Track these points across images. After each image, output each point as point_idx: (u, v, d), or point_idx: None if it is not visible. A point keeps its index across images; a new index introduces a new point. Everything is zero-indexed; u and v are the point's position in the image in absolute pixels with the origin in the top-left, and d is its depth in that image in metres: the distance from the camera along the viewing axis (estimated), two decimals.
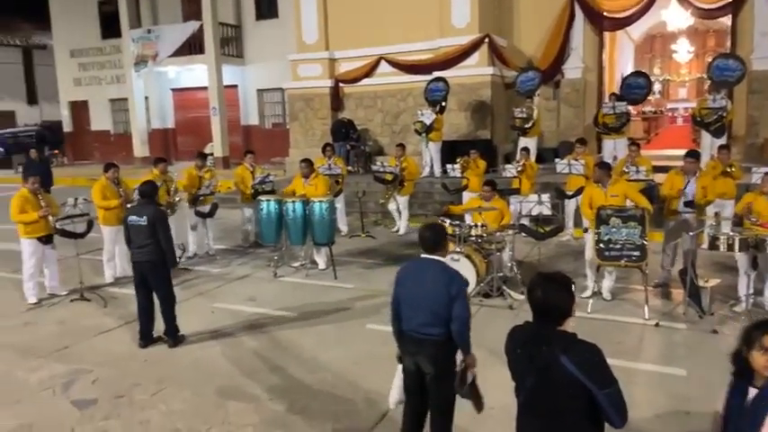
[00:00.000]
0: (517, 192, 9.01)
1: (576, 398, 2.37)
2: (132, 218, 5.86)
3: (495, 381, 4.81)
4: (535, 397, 2.47)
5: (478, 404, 3.58)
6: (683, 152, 7.62)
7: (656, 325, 6.10)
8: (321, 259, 8.55)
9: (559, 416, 2.42)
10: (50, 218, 7.22)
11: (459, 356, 3.61)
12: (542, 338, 2.43)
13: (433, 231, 3.64)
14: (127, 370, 5.42)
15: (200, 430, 4.37)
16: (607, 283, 6.91)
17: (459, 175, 10.04)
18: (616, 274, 6.96)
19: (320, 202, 8.09)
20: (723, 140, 10.40)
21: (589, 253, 6.95)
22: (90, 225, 7.67)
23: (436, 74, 13.49)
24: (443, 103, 13.09)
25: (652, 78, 15.57)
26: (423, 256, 3.64)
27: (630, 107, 12.07)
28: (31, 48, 30.37)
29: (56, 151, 23.26)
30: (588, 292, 6.77)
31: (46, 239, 7.31)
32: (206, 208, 9.26)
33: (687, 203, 6.88)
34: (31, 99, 30.43)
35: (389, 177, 10.29)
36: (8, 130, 24.33)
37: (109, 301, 7.32)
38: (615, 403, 2.36)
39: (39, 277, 7.49)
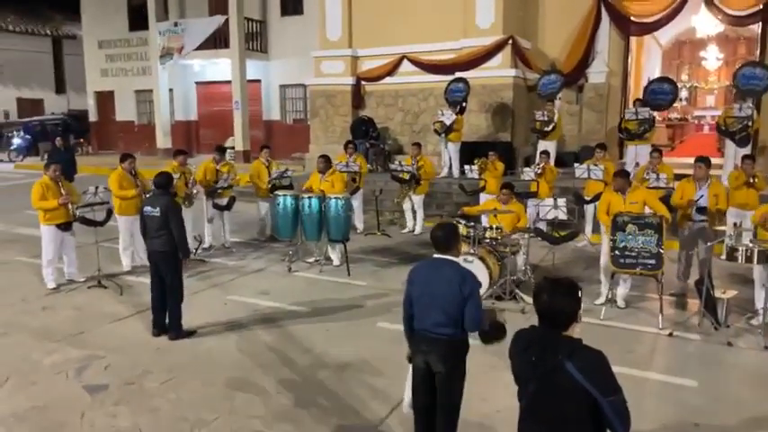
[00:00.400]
0: (535, 195, 8.95)
1: (579, 404, 2.34)
2: (147, 208, 5.95)
3: (504, 383, 4.81)
4: (538, 402, 2.45)
5: (489, 334, 3.58)
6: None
7: (670, 335, 6.02)
8: (335, 255, 8.59)
9: (562, 422, 2.40)
10: (70, 205, 7.35)
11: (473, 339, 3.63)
12: (547, 343, 2.42)
13: (444, 231, 3.65)
14: (139, 358, 5.50)
15: (207, 419, 4.42)
16: (621, 291, 6.83)
17: (477, 176, 10.00)
18: (631, 281, 6.88)
19: (336, 198, 8.12)
20: (747, 150, 10.23)
21: (604, 259, 6.88)
22: (109, 213, 7.81)
23: (458, 74, 13.44)
24: (463, 104, 13.04)
25: (679, 85, 15.32)
26: (435, 256, 3.64)
27: (655, 113, 11.91)
28: (60, 38, 30.87)
29: (81, 140, 23.65)
30: (602, 299, 6.71)
31: (65, 226, 7.44)
32: (224, 201, 9.35)
33: (699, 210, 6.78)
34: (59, 88, 30.94)
35: (406, 176, 10.28)
36: (35, 118, 24.80)
37: (125, 289, 7.44)
38: (619, 411, 2.34)
39: (57, 263, 7.64)
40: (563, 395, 2.36)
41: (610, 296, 6.73)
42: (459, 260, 6.33)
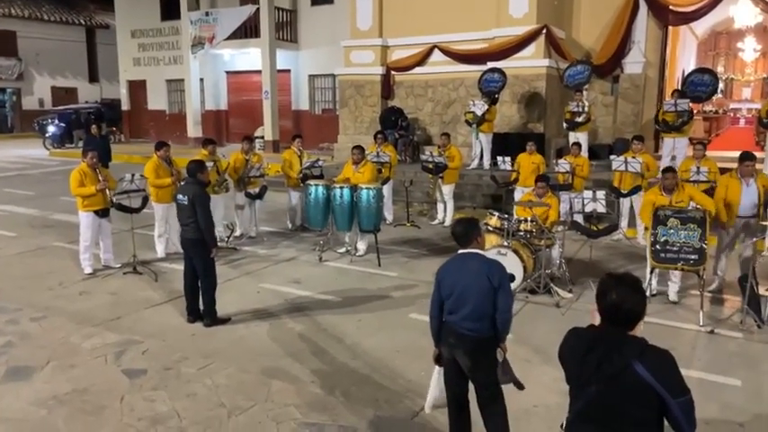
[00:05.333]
0: (569, 188, 8.80)
1: (644, 407, 2.25)
2: (179, 197, 6.02)
3: (539, 379, 4.76)
4: (599, 405, 2.33)
5: (519, 383, 3.67)
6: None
7: (711, 332, 5.87)
8: (363, 245, 8.55)
9: (626, 425, 2.30)
10: (108, 192, 7.45)
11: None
12: (613, 344, 2.30)
13: (463, 225, 3.68)
14: (175, 343, 5.56)
15: (243, 406, 4.45)
16: (674, 287, 6.69)
17: (509, 168, 9.86)
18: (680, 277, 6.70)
19: (368, 189, 8.09)
20: None
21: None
22: (145, 201, 7.89)
23: (491, 64, 13.26)
24: (496, 96, 12.86)
25: None
26: (460, 251, 3.66)
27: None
28: (94, 27, 31.36)
29: (113, 128, 24.01)
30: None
31: (102, 213, 7.55)
32: (255, 190, 9.38)
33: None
34: (93, 77, 31.45)
35: (431, 166, 10.17)
36: (70, 107, 25.24)
37: (159, 275, 7.52)
38: (688, 412, 2.25)
39: (94, 249, 7.76)
40: (630, 397, 2.26)
41: (652, 291, 6.58)
42: (493, 252, 6.27)
